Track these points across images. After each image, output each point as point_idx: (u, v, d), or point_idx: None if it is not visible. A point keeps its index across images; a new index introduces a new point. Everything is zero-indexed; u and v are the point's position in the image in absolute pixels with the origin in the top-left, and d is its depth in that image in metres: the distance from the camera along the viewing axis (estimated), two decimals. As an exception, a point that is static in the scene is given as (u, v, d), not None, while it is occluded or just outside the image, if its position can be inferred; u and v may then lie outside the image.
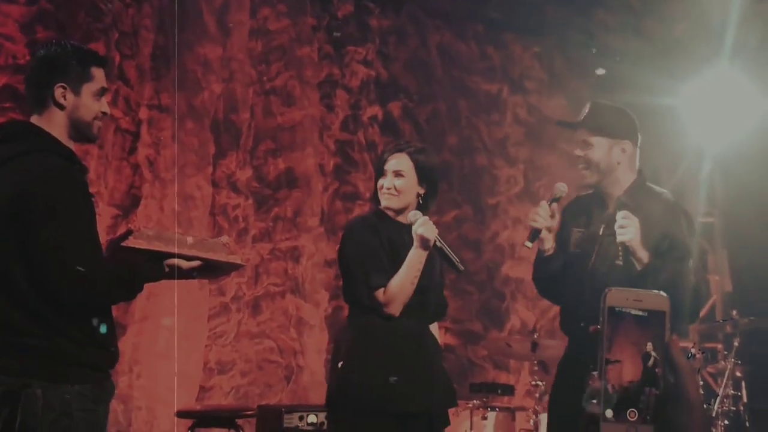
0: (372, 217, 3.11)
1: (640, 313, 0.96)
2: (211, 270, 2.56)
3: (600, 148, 3.00)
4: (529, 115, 6.10)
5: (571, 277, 3.04)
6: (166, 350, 4.91)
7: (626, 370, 0.93)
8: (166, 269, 2.43)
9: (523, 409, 4.85)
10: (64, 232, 2.31)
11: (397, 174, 3.03)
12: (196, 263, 2.46)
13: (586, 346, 2.97)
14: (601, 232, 3.00)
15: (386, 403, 2.93)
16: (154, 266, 2.43)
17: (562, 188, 3.05)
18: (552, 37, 6.21)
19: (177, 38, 5.24)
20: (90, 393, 2.35)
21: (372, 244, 3.03)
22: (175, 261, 2.43)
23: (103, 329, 2.35)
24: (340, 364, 3.02)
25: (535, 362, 4.77)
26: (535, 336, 4.83)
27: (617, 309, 0.95)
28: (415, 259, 2.96)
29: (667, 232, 2.92)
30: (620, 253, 2.90)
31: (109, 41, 5.08)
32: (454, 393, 3.16)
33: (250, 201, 5.31)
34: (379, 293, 2.96)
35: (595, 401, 0.95)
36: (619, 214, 2.88)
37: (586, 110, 3.07)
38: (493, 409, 4.71)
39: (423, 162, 3.05)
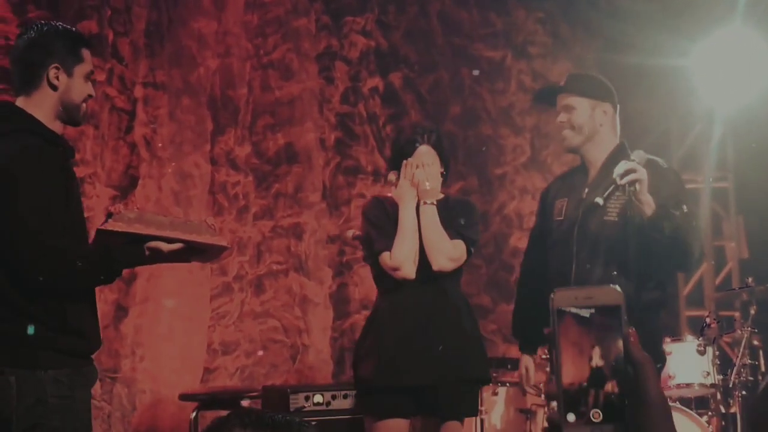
0: (382, 198, 3.27)
1: (592, 311, 0.90)
2: (195, 253, 2.48)
3: (583, 110, 3.05)
4: (534, 82, 5.94)
5: (558, 244, 3.05)
6: (168, 332, 4.85)
7: (582, 370, 0.87)
8: (147, 252, 2.35)
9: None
10: (26, 214, 2.25)
11: (425, 166, 3.17)
12: (177, 246, 2.38)
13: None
14: (584, 195, 3.01)
15: (382, 378, 3.05)
16: (132, 249, 2.36)
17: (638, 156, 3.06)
18: (556, 0, 6.04)
19: (170, 13, 5.13)
20: (66, 379, 2.30)
21: (378, 215, 3.18)
22: (156, 244, 2.35)
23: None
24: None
25: (546, 335, 4.66)
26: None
27: (566, 309, 0.90)
28: (403, 217, 3.08)
29: (659, 194, 2.91)
30: (632, 201, 2.85)
31: (101, 18, 4.98)
32: (471, 366, 3.15)
33: (250, 178, 5.21)
34: (385, 256, 3.08)
35: (555, 405, 0.89)
36: (621, 164, 2.86)
37: (565, 78, 3.18)
38: (503, 384, 4.62)
39: (441, 145, 3.24)
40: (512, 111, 5.99)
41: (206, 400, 4.36)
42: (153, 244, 2.36)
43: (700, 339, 4.41)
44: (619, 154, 3.05)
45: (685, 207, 2.89)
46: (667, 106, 6.01)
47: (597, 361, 0.87)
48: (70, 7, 4.91)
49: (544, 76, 5.86)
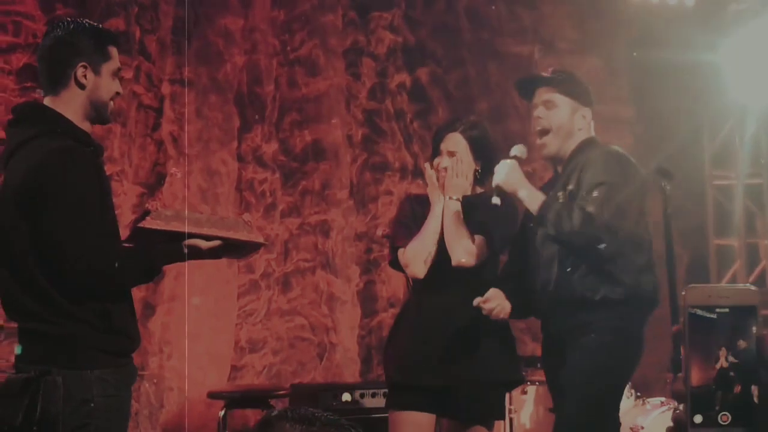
0: (413, 196, 3.29)
1: (726, 310, 0.86)
2: (232, 249, 2.47)
3: (564, 109, 2.89)
4: (562, 78, 5.87)
5: (529, 241, 2.95)
6: (196, 330, 4.84)
7: (711, 371, 0.84)
8: (185, 250, 2.35)
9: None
10: (66, 216, 2.25)
11: (451, 154, 3.06)
12: (215, 243, 2.38)
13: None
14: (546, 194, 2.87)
15: (404, 376, 3.03)
16: (171, 247, 2.36)
17: (515, 151, 2.92)
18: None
19: (197, 10, 5.12)
20: (111, 378, 2.30)
21: (404, 213, 3.17)
22: (194, 241, 2.35)
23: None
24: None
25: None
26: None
27: (698, 307, 0.86)
28: (428, 217, 3.04)
29: (598, 180, 2.75)
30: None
31: (128, 16, 4.98)
32: (495, 368, 3.05)
33: (277, 175, 5.20)
34: (400, 253, 3.06)
35: (680, 406, 0.86)
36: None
37: (550, 71, 2.99)
38: (533, 383, 4.57)
39: (476, 138, 3.09)
40: (540, 107, 5.92)
41: (234, 399, 4.35)
42: (192, 241, 2.35)
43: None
44: (583, 148, 2.89)
45: (596, 192, 2.72)
46: (698, 103, 5.92)
47: (727, 362, 0.84)
48: (97, 4, 4.91)
49: (572, 71, 5.78)
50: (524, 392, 4.54)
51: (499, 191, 2.85)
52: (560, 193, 2.85)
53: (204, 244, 2.36)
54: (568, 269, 2.81)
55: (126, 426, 2.41)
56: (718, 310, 0.84)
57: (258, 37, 5.26)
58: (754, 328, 0.83)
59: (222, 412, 4.29)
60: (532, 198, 2.82)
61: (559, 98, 2.90)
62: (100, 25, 2.55)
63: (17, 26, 4.75)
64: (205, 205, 4.95)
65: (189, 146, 5.01)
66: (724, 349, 0.82)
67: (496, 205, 2.85)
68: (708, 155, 6.07)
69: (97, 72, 2.38)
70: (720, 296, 0.84)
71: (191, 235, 2.35)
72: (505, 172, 2.84)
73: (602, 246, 2.72)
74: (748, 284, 0.89)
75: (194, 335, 4.84)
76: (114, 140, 4.80)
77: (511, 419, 4.46)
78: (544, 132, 2.92)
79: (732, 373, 0.81)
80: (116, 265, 2.29)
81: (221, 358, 4.94)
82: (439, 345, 3.01)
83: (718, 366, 0.81)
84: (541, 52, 5.89)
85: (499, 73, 5.85)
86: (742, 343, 0.82)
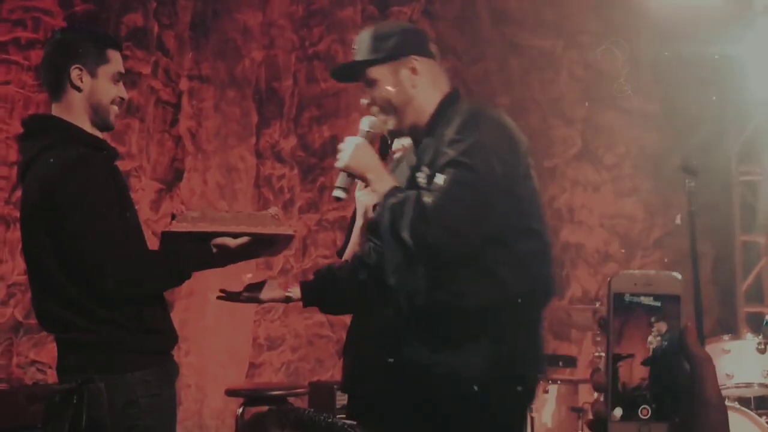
0: None
1: (650, 298, 0.82)
2: (262, 245, 2.42)
3: (384, 79, 2.26)
4: (585, 72, 5.79)
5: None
6: (214, 326, 4.82)
7: (634, 364, 0.81)
8: (214, 250, 2.32)
9: (586, 381, 4.63)
10: (88, 225, 2.24)
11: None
12: (244, 239, 2.33)
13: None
14: (408, 177, 2.28)
15: (348, 387, 2.87)
16: (199, 248, 2.32)
17: (365, 124, 2.30)
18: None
19: (215, 5, 5.10)
20: (152, 378, 2.29)
21: (352, 220, 2.94)
22: (222, 240, 2.31)
23: None
24: None
25: (598, 332, 4.54)
26: (597, 305, 4.60)
27: (623, 295, 0.83)
28: (355, 230, 2.72)
29: (446, 158, 2.10)
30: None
31: (147, 11, 4.97)
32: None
33: (296, 171, 5.17)
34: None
35: (601, 399, 0.83)
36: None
37: (354, 47, 2.35)
38: (554, 382, 4.51)
39: None
40: (562, 102, 5.85)
41: (252, 396, 4.32)
42: (219, 240, 2.31)
43: (760, 337, 4.25)
44: (442, 113, 2.25)
45: (441, 177, 2.08)
46: (724, 97, 5.81)
47: (651, 352, 0.80)
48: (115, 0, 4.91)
49: (595, 65, 5.70)
50: (546, 391, 4.48)
51: (346, 177, 2.30)
52: (408, 174, 2.28)
53: (232, 241, 2.32)
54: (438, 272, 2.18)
55: (174, 422, 2.39)
56: (643, 298, 0.80)
57: (276, 32, 5.23)
58: (679, 319, 0.79)
59: (240, 410, 4.26)
60: (379, 184, 2.20)
61: (374, 71, 2.27)
62: (100, 30, 2.53)
63: (36, 22, 4.75)
64: (223, 201, 4.93)
65: (207, 142, 4.99)
66: (652, 339, 0.79)
67: (337, 198, 2.36)
68: (734, 151, 5.96)
69: (93, 75, 2.35)
70: (646, 284, 0.81)
71: (218, 234, 2.31)
72: (350, 152, 2.25)
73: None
74: (674, 273, 0.84)
75: (212, 332, 4.82)
76: (132, 136, 4.79)
77: (532, 418, 4.40)
78: (379, 111, 2.29)
79: (655, 365, 0.78)
80: (146, 271, 2.28)
81: (239, 355, 4.92)
82: (379, 358, 2.80)
83: (642, 357, 0.78)
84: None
85: (521, 67, 5.78)
86: (666, 334, 0.79)
